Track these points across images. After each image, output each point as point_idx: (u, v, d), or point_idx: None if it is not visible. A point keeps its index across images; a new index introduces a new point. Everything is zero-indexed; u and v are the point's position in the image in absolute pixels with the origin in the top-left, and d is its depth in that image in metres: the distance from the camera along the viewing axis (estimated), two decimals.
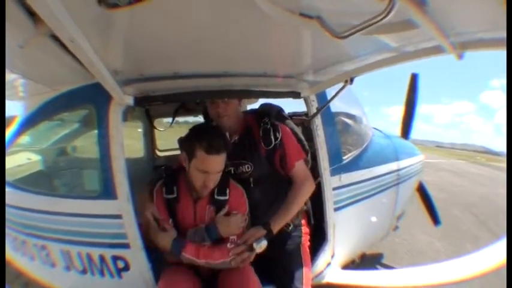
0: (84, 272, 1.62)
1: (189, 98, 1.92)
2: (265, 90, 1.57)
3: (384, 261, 3.25)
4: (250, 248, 1.44)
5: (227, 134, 1.55)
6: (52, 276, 1.73)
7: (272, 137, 1.55)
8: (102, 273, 1.61)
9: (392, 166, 2.44)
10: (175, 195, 1.47)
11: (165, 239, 1.39)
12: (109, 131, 1.49)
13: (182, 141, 1.46)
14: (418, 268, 1.81)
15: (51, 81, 1.55)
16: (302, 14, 0.74)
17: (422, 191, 3.31)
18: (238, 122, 1.61)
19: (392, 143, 2.74)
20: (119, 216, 1.49)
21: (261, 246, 1.45)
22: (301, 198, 1.61)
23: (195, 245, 1.40)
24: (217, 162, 1.36)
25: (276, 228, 1.52)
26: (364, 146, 2.15)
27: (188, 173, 1.43)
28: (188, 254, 1.37)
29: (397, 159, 2.54)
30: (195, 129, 1.45)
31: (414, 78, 3.15)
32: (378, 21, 0.61)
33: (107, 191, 1.50)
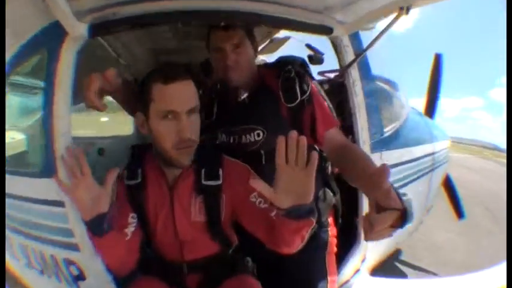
0: (42, 273, 1.18)
1: (167, 20, 1.29)
2: (285, 17, 1.05)
3: (403, 257, 2.86)
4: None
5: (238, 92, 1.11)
6: (20, 271, 1.28)
7: (298, 90, 1.04)
8: (58, 278, 1.15)
9: (428, 148, 2.01)
10: (138, 180, 0.97)
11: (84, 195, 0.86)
12: (56, 77, 0.98)
13: (135, 95, 0.98)
14: (450, 278, 1.39)
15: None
16: None
17: (448, 183, 2.93)
18: (250, 76, 1.13)
19: (424, 121, 2.31)
20: (60, 204, 0.98)
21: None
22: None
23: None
24: (181, 92, 0.88)
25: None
26: (402, 120, 1.67)
27: (153, 135, 0.92)
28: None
29: (431, 140, 2.11)
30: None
31: (438, 59, 3.00)
32: None
33: (47, 166, 0.99)
